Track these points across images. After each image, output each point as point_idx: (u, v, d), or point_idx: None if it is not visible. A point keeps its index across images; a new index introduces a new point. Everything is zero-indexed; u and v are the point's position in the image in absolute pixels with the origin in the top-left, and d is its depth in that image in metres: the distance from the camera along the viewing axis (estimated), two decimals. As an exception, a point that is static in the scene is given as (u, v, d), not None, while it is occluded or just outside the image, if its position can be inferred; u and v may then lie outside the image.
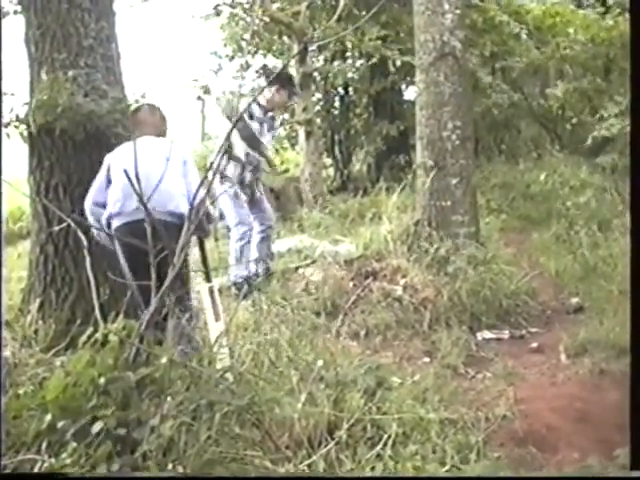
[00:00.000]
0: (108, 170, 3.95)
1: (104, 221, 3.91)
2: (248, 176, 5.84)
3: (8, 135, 4.27)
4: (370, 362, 3.91)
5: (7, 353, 3.60)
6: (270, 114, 6.04)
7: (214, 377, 2.91)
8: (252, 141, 5.77)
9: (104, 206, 3.91)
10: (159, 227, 3.13)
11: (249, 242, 5.80)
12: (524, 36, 9.92)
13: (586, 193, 8.03)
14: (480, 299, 5.13)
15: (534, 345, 4.75)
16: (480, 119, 10.16)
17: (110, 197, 3.90)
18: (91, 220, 3.94)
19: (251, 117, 5.83)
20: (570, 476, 3.09)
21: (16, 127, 4.27)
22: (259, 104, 5.91)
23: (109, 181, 3.94)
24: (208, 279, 3.94)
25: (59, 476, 2.52)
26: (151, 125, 4.15)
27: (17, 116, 4.23)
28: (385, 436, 3.07)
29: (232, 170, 5.79)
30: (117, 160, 3.92)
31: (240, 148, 5.77)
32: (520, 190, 9.09)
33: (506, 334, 4.97)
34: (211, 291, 3.78)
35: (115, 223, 3.90)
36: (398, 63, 9.59)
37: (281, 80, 6.03)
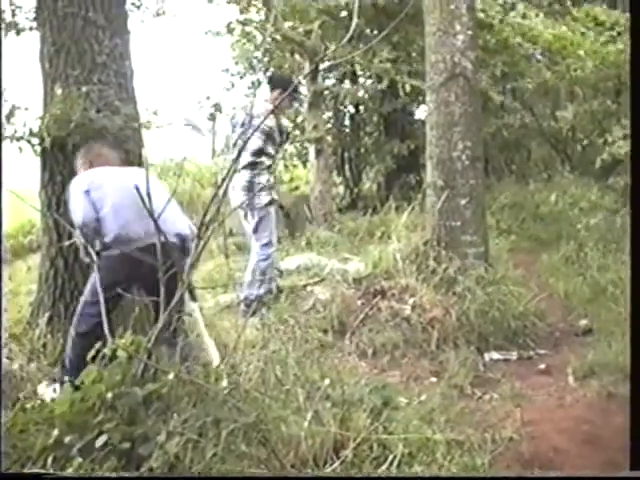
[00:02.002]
0: (88, 195, 3.78)
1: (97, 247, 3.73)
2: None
3: (20, 149, 4.30)
4: (377, 381, 3.91)
5: (15, 366, 3.62)
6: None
7: (221, 394, 2.91)
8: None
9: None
10: (171, 249, 3.12)
11: (273, 263, 5.78)
12: (538, 56, 9.96)
13: (596, 215, 8.02)
14: (488, 320, 5.11)
15: (542, 367, 4.73)
16: (490, 139, 10.19)
17: (109, 222, 3.74)
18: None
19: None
20: (570, 476, 3.08)
21: (28, 141, 4.30)
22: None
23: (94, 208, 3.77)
24: (194, 298, 3.92)
25: (59, 477, 2.53)
26: (111, 157, 4.10)
27: (30, 130, 4.26)
28: (391, 456, 3.06)
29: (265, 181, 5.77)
30: (102, 185, 3.81)
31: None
32: (530, 211, 9.08)
33: (514, 355, 4.95)
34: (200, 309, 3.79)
35: (120, 249, 3.69)
36: (407, 87, 9.61)
37: (282, 84, 5.99)
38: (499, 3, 9.75)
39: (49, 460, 2.63)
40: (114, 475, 2.55)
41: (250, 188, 5.64)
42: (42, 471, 2.59)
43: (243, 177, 5.64)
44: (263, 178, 5.70)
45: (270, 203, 5.74)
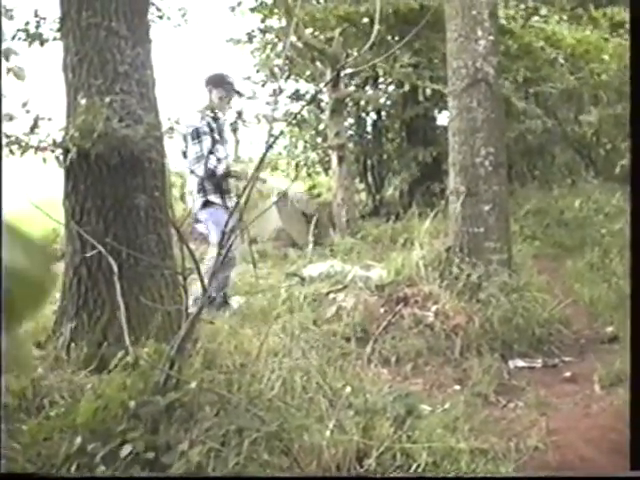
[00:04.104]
0: None
1: None
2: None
3: (45, 159, 4.34)
4: (400, 389, 3.89)
5: (39, 374, 3.63)
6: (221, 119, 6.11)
7: (243, 403, 2.91)
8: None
9: None
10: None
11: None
12: (561, 60, 9.90)
13: (621, 220, 7.93)
14: (512, 327, 5.07)
15: (567, 374, 4.68)
16: (513, 145, 10.12)
17: None
18: None
19: (218, 132, 5.94)
20: (570, 476, 3.04)
21: (52, 151, 4.34)
22: (206, 115, 5.97)
23: None
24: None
25: (59, 477, 2.54)
26: None
27: (54, 141, 4.30)
28: (414, 465, 3.04)
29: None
30: None
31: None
32: (554, 217, 9.01)
33: (539, 363, 4.91)
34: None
35: None
36: (428, 92, 9.60)
37: (213, 81, 6.08)
38: (521, 8, 9.71)
39: (73, 468, 2.65)
40: (114, 475, 2.56)
41: (199, 190, 5.88)
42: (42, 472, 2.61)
43: (195, 181, 5.92)
44: (211, 180, 5.86)
45: (205, 204, 5.87)
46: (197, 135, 5.82)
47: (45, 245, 0.68)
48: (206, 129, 5.85)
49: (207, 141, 5.83)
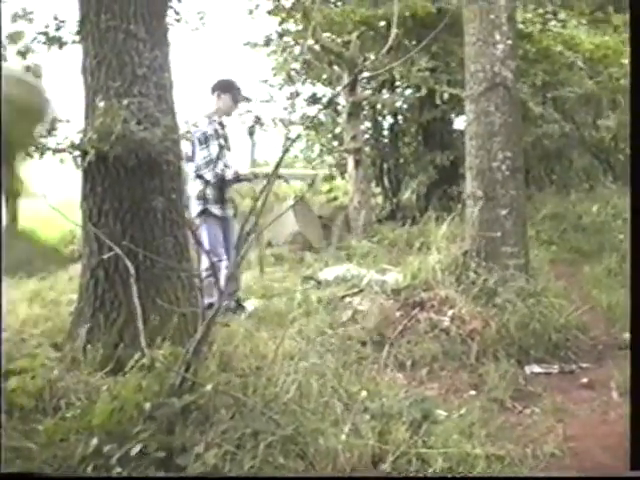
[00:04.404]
0: None
1: None
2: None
3: (62, 160, 4.36)
4: (416, 394, 3.87)
5: (55, 375, 3.65)
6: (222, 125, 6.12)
7: (259, 406, 2.91)
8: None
9: None
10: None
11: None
12: (579, 64, 9.85)
13: (639, 225, 7.87)
14: (529, 332, 5.03)
15: (584, 381, 4.64)
16: (531, 149, 10.08)
17: None
18: None
19: (224, 137, 5.96)
20: (570, 476, 3.02)
21: (70, 153, 4.35)
22: (214, 120, 5.98)
23: None
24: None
25: (59, 477, 2.54)
26: None
27: (72, 143, 4.31)
28: (430, 470, 3.02)
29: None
30: None
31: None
32: (571, 221, 8.96)
33: (555, 369, 4.87)
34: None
35: None
36: (446, 96, 9.57)
37: (222, 87, 6.08)
38: (539, 12, 9.67)
39: (89, 469, 2.65)
40: (115, 475, 2.57)
41: (199, 197, 5.87)
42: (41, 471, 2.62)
43: (197, 186, 5.89)
44: (216, 187, 5.87)
45: (202, 213, 5.86)
46: (205, 140, 5.82)
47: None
48: (213, 134, 5.86)
49: (215, 146, 5.83)
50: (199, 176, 5.87)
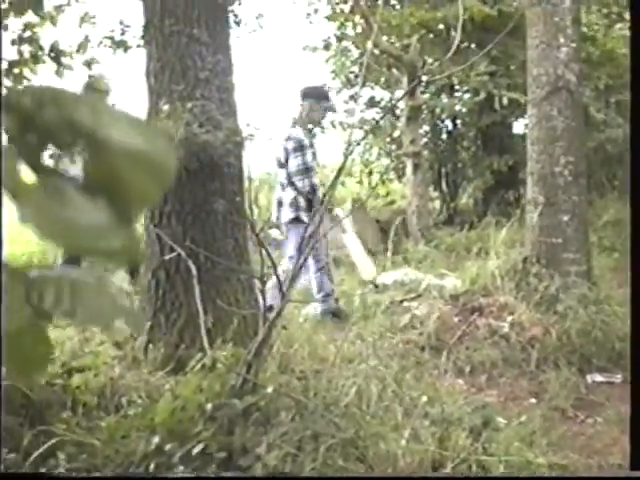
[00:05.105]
0: None
1: None
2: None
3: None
4: (476, 400, 3.83)
5: (116, 373, 3.71)
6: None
7: (319, 409, 2.92)
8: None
9: None
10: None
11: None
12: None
13: None
14: (591, 340, 4.94)
15: (649, 391, 4.53)
16: (592, 154, 9.90)
17: None
18: None
19: (311, 145, 5.94)
20: (570, 476, 2.95)
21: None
22: (308, 129, 5.99)
23: None
24: None
25: (59, 477, 2.58)
26: None
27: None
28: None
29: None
30: None
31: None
32: (634, 228, 8.76)
33: (618, 378, 4.76)
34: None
35: None
36: (505, 100, 9.47)
37: (316, 94, 6.05)
38: (604, 14, 9.51)
39: (151, 467, 2.69)
40: (115, 475, 2.59)
41: (291, 204, 5.88)
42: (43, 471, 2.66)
43: (289, 193, 5.89)
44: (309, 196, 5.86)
45: (294, 220, 5.85)
46: (301, 147, 5.80)
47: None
48: (307, 142, 5.87)
49: (310, 155, 5.84)
50: (291, 183, 5.87)
